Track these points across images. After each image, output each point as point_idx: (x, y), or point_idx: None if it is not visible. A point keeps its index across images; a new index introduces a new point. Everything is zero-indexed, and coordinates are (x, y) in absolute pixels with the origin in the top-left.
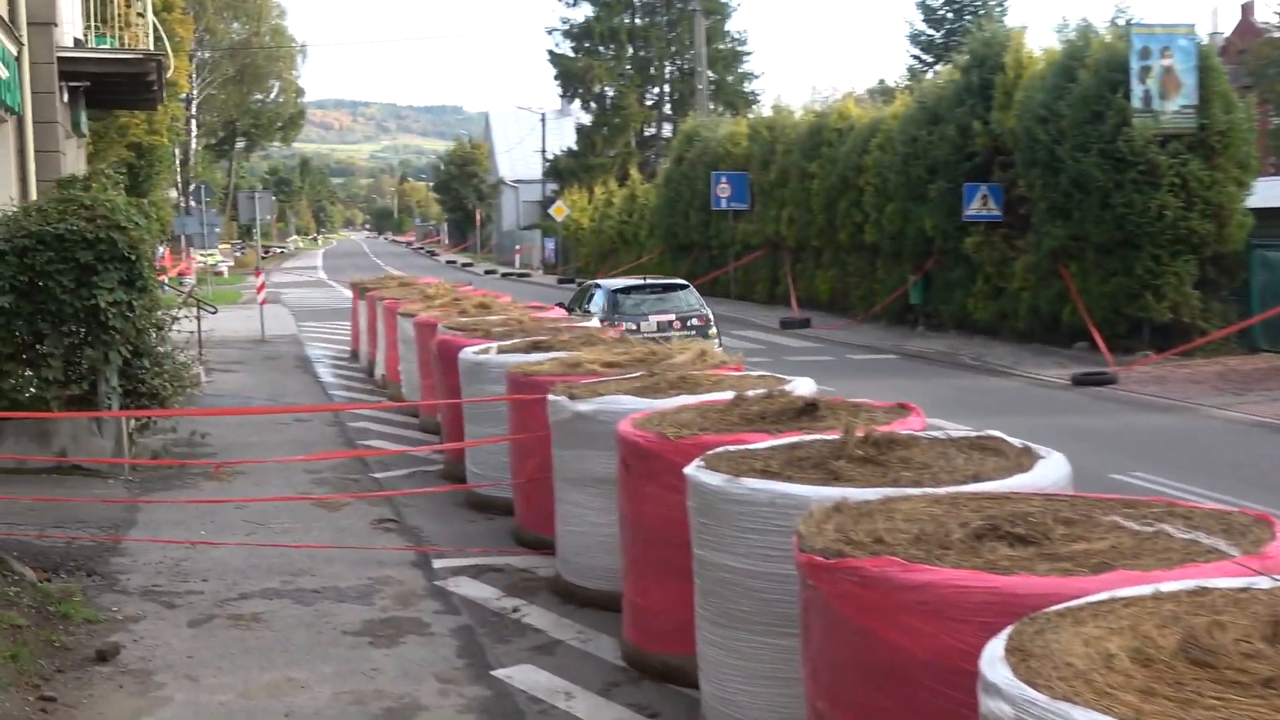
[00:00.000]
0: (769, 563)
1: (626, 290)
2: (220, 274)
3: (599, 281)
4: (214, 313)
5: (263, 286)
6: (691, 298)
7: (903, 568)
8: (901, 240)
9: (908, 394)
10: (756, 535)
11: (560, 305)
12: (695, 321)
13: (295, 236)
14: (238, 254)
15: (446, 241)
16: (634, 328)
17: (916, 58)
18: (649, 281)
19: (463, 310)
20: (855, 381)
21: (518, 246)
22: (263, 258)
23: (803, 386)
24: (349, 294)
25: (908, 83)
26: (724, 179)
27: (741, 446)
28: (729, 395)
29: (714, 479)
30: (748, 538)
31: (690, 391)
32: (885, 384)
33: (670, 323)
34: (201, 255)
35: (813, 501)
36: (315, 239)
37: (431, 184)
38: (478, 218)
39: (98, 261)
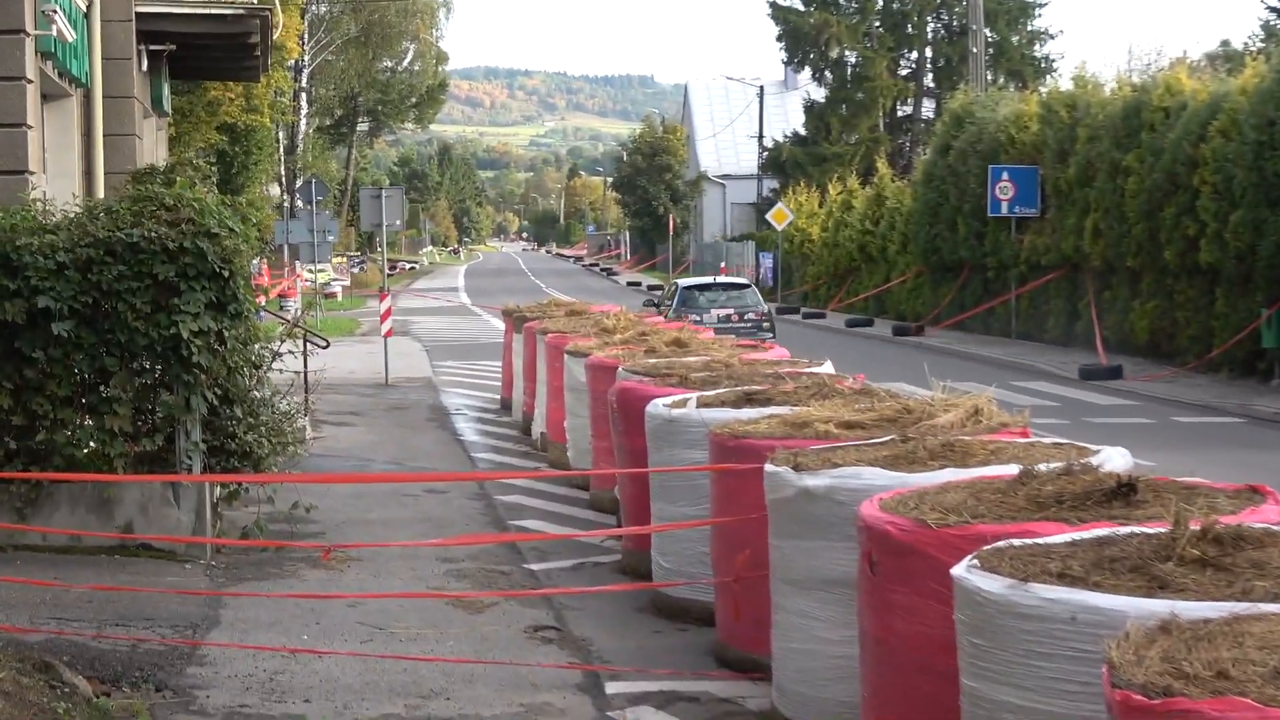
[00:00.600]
0: (1068, 700)
1: (697, 288)
2: (333, 296)
3: (679, 280)
4: (325, 347)
5: (388, 314)
6: (751, 297)
7: (1258, 713)
8: (1251, 261)
9: (1260, 473)
10: (1050, 663)
11: (653, 305)
12: (752, 316)
13: (430, 248)
14: (356, 270)
15: (628, 256)
16: (698, 319)
17: (1275, 9)
18: (717, 281)
19: (651, 349)
20: (1186, 454)
21: (723, 265)
22: (389, 275)
23: (1114, 459)
24: (499, 325)
25: (1262, 45)
26: (1005, 175)
27: (1030, 540)
28: (1013, 470)
29: (993, 584)
30: (1038, 665)
31: (958, 464)
32: (1228, 458)
33: (729, 316)
34: (310, 271)
35: (1130, 618)
36: (456, 251)
37: (610, 180)
38: (671, 225)
39: (181, 279)
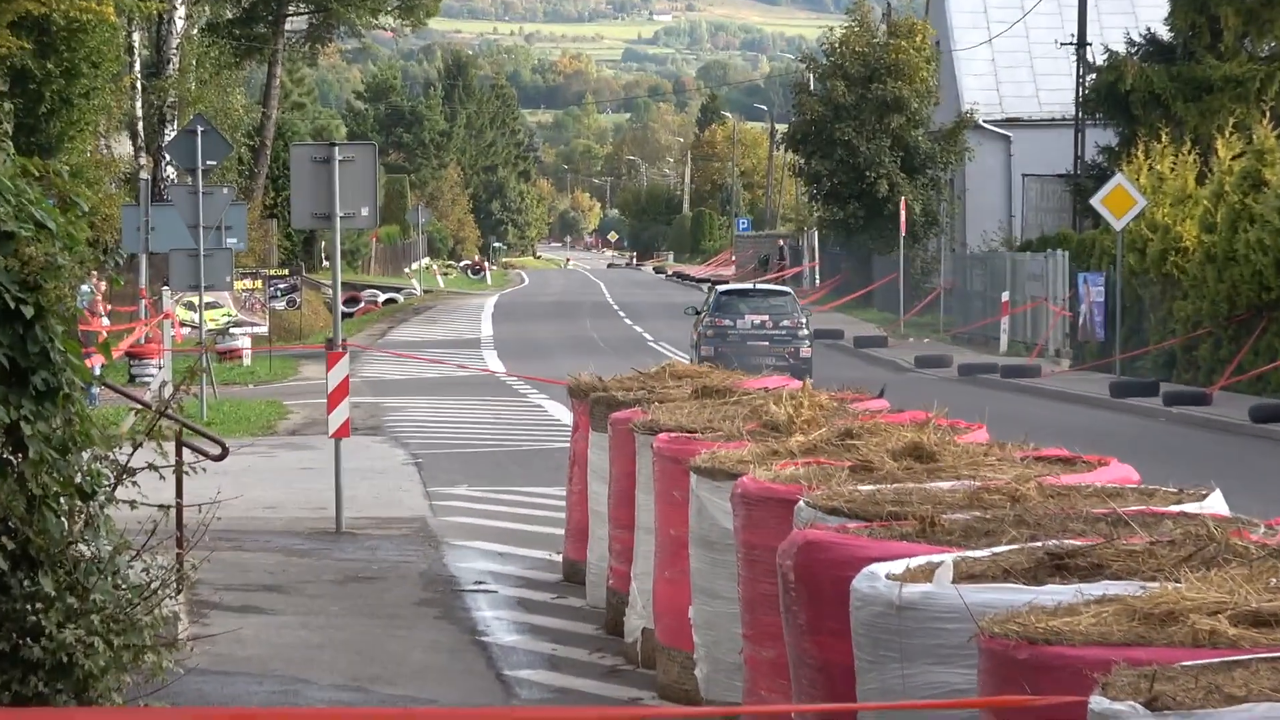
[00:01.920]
0: None
1: (731, 293)
2: (236, 356)
3: (718, 286)
4: (219, 457)
5: (343, 392)
6: (789, 305)
7: None
8: None
9: None
10: None
11: (695, 312)
12: (786, 323)
13: (426, 261)
14: (281, 305)
15: (817, 281)
16: (730, 324)
17: None
18: (756, 286)
19: (864, 463)
20: None
21: (1004, 299)
22: (346, 315)
23: None
24: (561, 417)
25: None
26: None
27: None
28: None
29: None
30: None
31: None
32: None
33: (763, 322)
34: (189, 308)
35: None
36: (477, 270)
37: (784, 131)
38: (903, 213)
39: None
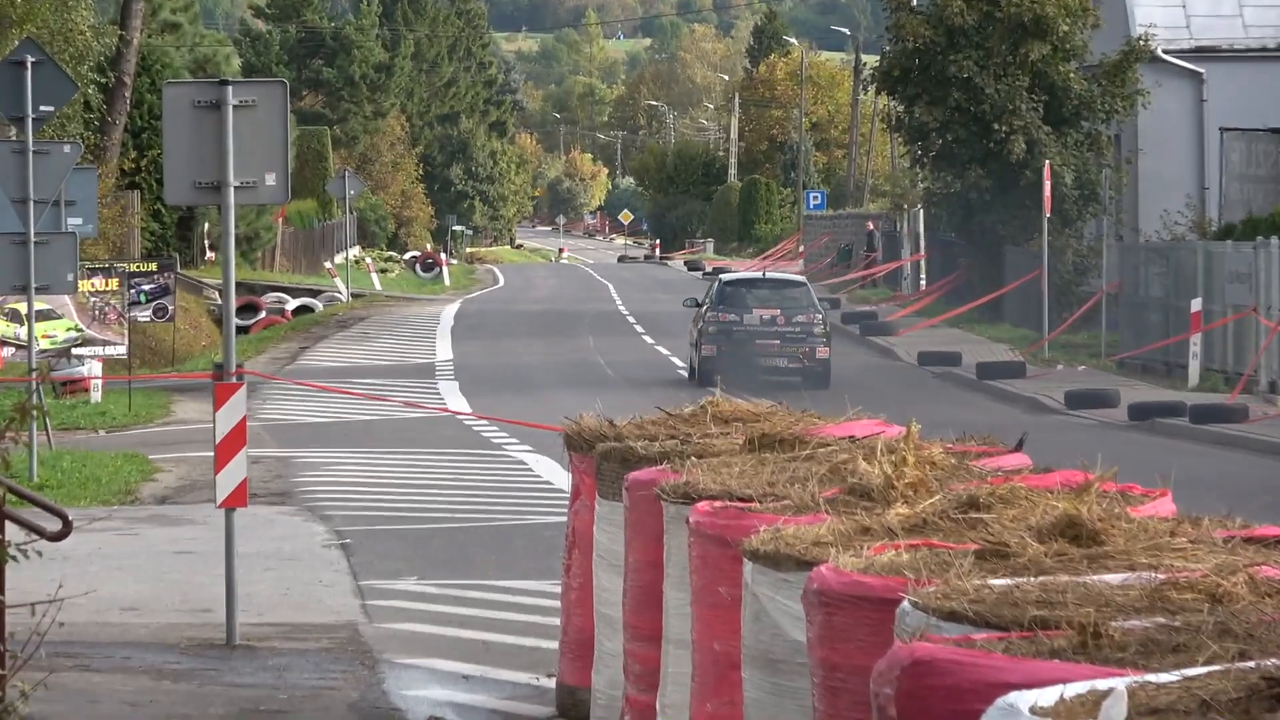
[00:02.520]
0: None
1: (737, 282)
2: (80, 389)
3: (721, 275)
4: (58, 535)
5: (236, 444)
6: (805, 297)
7: None
8: None
9: None
10: None
11: (695, 304)
12: (800, 318)
13: (357, 251)
14: (144, 314)
15: (922, 281)
16: (735, 319)
17: None
18: (766, 276)
19: (996, 544)
20: None
21: (1194, 308)
22: (240, 329)
23: None
24: (551, 476)
25: None
26: None
27: None
28: None
29: None
30: None
31: None
32: None
33: (775, 318)
34: (11, 322)
35: None
36: (428, 264)
37: (875, 67)
38: (1047, 184)
39: None
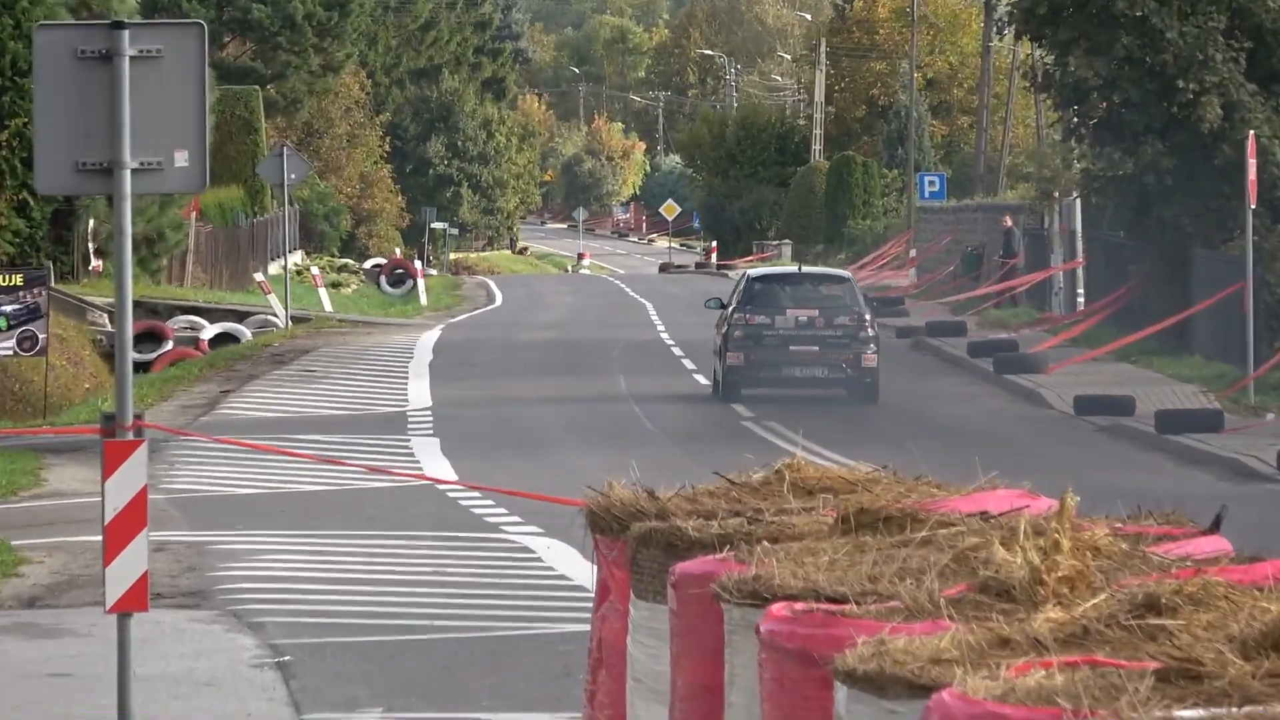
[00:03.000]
0: None
1: (768, 278)
2: None
3: (749, 270)
4: None
5: (134, 521)
6: (848, 295)
7: None
8: None
9: None
10: None
11: (720, 305)
12: (843, 320)
13: (300, 258)
14: (10, 339)
15: (1079, 291)
16: (767, 321)
17: None
18: (802, 271)
19: (1188, 666)
20: None
21: None
22: (143, 366)
23: None
24: (567, 568)
25: None
26: None
27: None
28: None
29: None
30: None
31: None
32: None
33: (813, 320)
34: None
35: None
36: (400, 276)
37: (1011, 4)
38: (1251, 164)
39: None
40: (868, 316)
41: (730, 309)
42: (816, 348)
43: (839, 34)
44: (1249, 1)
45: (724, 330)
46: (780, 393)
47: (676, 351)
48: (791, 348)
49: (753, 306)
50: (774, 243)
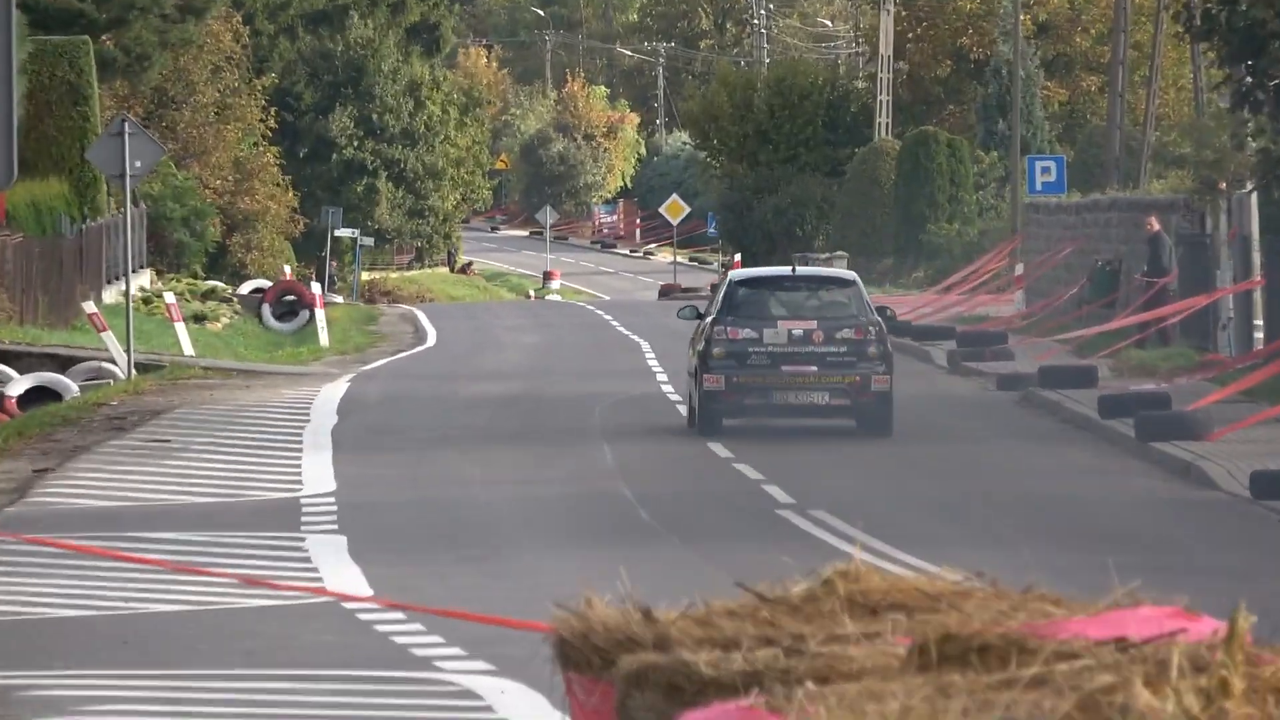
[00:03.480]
0: None
1: (753, 282)
2: None
3: (731, 273)
4: None
5: None
6: (853, 302)
7: None
8: None
9: None
10: None
11: (696, 314)
12: (847, 333)
13: (149, 279)
14: None
15: (1258, 323)
16: (754, 335)
17: None
18: (796, 273)
19: None
20: None
21: None
22: None
23: None
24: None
25: None
26: None
27: None
28: None
29: None
30: None
31: None
32: None
33: (809, 334)
34: None
35: None
36: (291, 306)
37: None
38: None
39: None
40: (876, 328)
41: (708, 320)
42: (814, 367)
43: None
44: None
45: (700, 347)
46: (807, 458)
47: (684, 409)
48: (783, 368)
49: (736, 317)
50: (822, 257)
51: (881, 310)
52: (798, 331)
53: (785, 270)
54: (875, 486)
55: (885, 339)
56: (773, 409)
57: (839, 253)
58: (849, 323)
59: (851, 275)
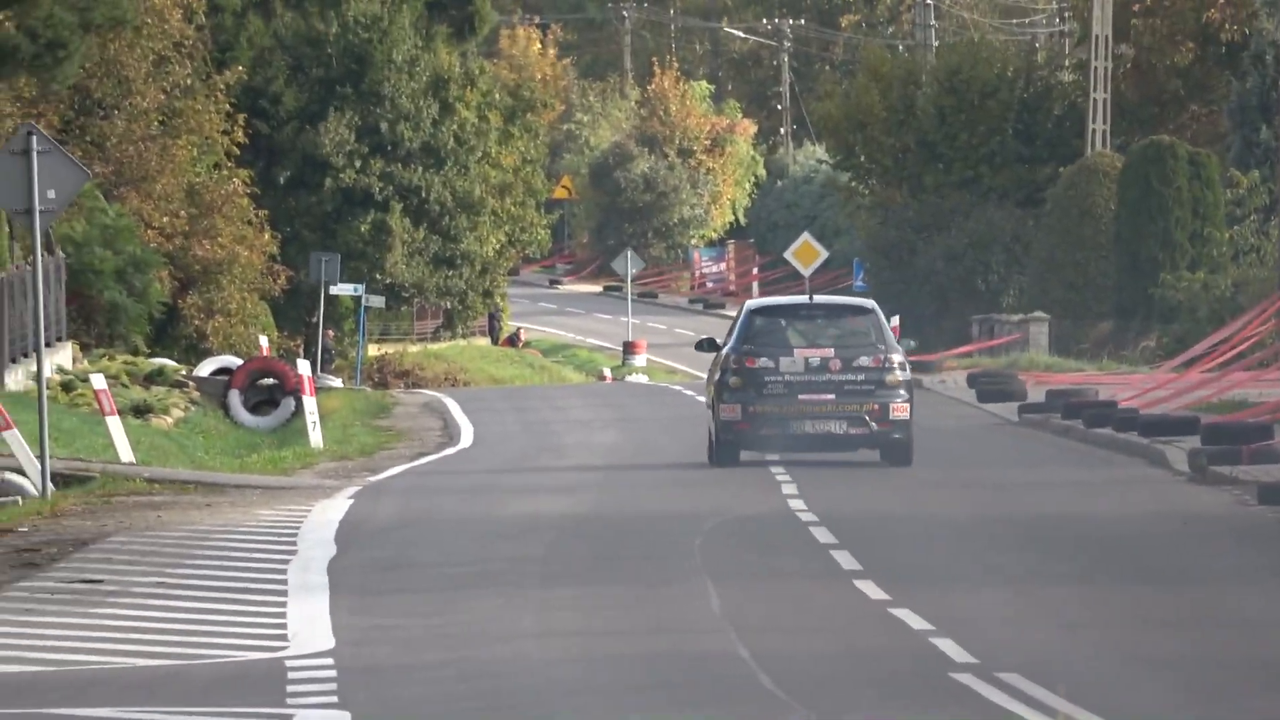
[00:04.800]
0: None
1: (770, 311)
2: None
3: (748, 302)
4: None
5: None
6: (872, 330)
7: None
8: None
9: None
10: None
11: (713, 347)
12: (865, 361)
13: (71, 354)
14: None
15: None
16: (770, 364)
17: None
18: (814, 301)
19: None
20: None
21: None
22: None
23: None
24: None
25: None
26: None
27: None
28: None
29: None
30: None
31: None
32: None
33: (827, 362)
34: None
35: None
36: (274, 390)
37: None
38: None
39: None
40: (897, 357)
41: (725, 349)
42: (833, 396)
43: None
44: None
45: (717, 377)
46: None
47: (821, 536)
48: (801, 396)
49: (752, 346)
50: (1013, 319)
51: (903, 340)
52: (815, 360)
53: (802, 298)
54: (1085, 640)
55: (905, 366)
56: (790, 439)
57: (1037, 313)
58: (867, 351)
59: (870, 303)
